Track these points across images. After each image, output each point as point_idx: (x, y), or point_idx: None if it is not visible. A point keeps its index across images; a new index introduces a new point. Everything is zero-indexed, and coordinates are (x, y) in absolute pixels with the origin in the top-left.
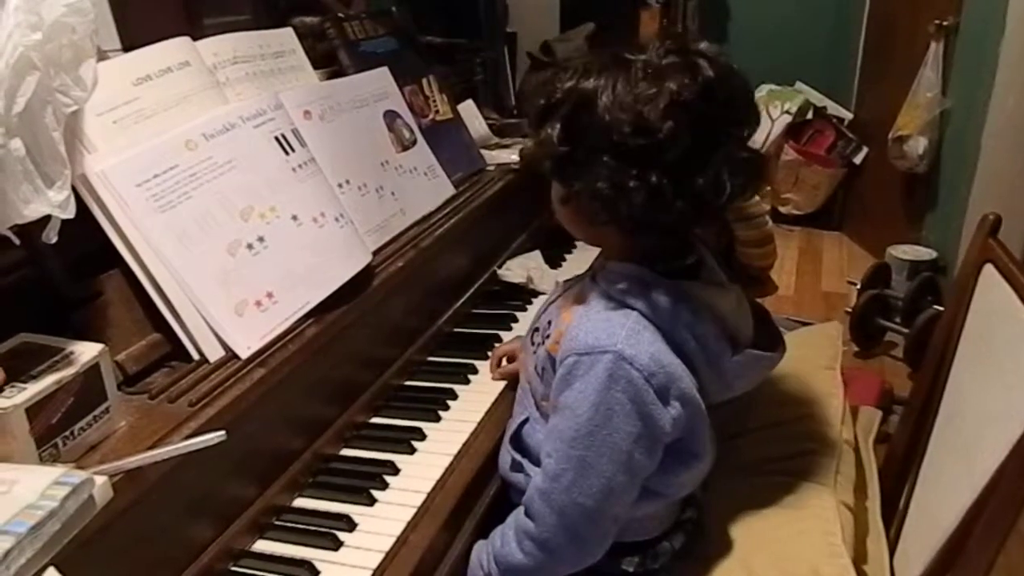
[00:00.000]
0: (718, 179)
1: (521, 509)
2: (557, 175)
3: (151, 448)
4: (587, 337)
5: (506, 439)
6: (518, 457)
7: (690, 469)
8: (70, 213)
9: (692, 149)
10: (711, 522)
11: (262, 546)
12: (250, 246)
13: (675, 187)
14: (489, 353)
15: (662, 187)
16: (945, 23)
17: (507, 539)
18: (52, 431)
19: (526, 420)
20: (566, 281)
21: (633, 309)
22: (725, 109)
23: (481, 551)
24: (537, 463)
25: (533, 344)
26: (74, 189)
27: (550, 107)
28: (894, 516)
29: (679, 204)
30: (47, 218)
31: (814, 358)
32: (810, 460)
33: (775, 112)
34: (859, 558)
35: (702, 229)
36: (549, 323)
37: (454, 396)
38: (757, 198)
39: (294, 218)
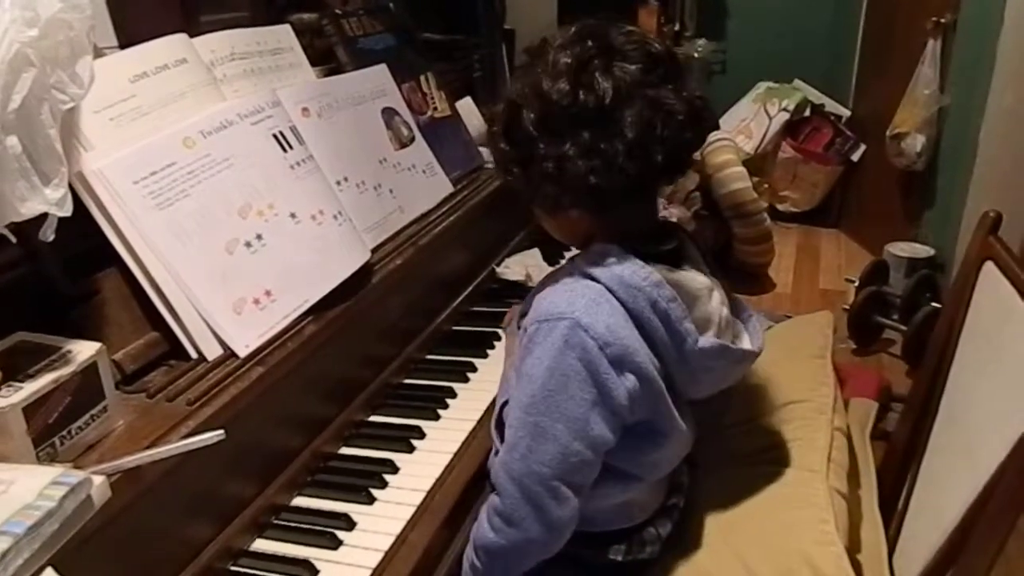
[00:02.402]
0: (649, 126)
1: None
2: (518, 182)
3: (149, 447)
4: (549, 305)
5: (492, 430)
6: (499, 446)
7: (659, 448)
8: (67, 211)
9: (610, 103)
10: (702, 511)
11: (261, 545)
12: (248, 244)
13: (608, 142)
14: (488, 351)
15: (595, 146)
16: (943, 20)
17: (480, 520)
18: (49, 430)
19: (506, 402)
20: (553, 270)
21: (599, 282)
22: (632, 60)
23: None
24: None
25: (520, 328)
26: (71, 187)
27: (494, 130)
28: (894, 514)
29: (621, 159)
30: (44, 216)
31: (804, 347)
32: (801, 448)
33: (773, 109)
34: (853, 547)
35: (667, 184)
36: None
37: (453, 394)
38: (755, 195)
39: (292, 216)
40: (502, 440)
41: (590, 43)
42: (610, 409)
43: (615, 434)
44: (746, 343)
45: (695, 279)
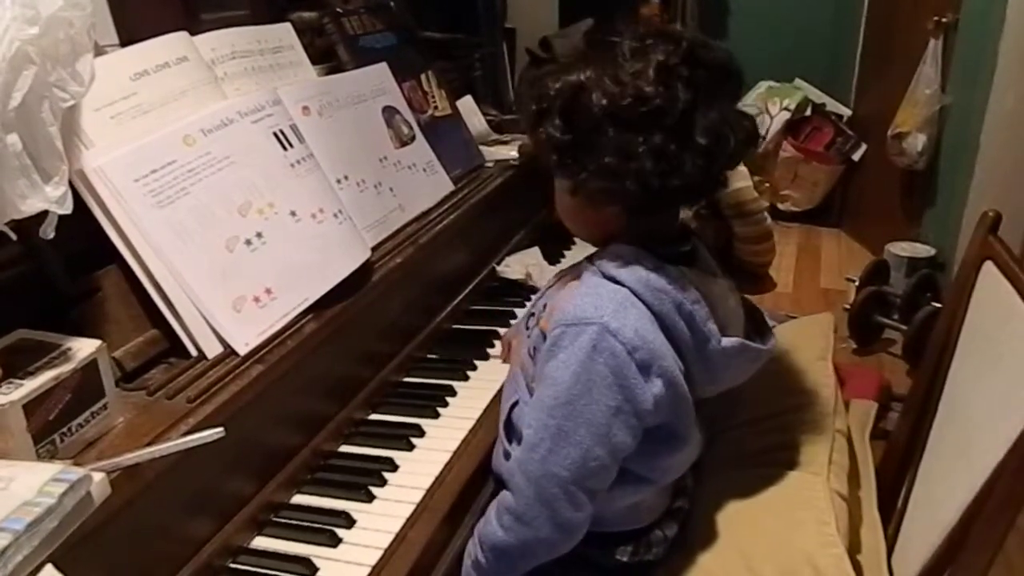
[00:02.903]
0: (719, 135)
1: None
2: (564, 166)
3: (149, 445)
4: (575, 309)
5: (500, 429)
6: (508, 447)
7: (675, 453)
8: (67, 209)
9: (688, 109)
10: (706, 513)
11: (261, 543)
12: (248, 242)
13: (679, 146)
14: (488, 350)
15: (667, 148)
16: (944, 19)
17: (489, 517)
18: (50, 427)
19: (515, 404)
20: (564, 270)
21: (624, 286)
22: (711, 71)
23: (471, 539)
24: None
25: (528, 328)
26: (71, 184)
27: (544, 107)
28: (893, 513)
29: (687, 165)
30: (44, 214)
31: (806, 349)
32: (803, 450)
33: (774, 109)
34: (854, 548)
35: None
36: (544, 306)
37: (453, 393)
38: (756, 194)
39: (292, 214)
40: (510, 440)
41: (684, 44)
42: (634, 415)
43: (635, 440)
44: (760, 342)
45: (712, 279)
